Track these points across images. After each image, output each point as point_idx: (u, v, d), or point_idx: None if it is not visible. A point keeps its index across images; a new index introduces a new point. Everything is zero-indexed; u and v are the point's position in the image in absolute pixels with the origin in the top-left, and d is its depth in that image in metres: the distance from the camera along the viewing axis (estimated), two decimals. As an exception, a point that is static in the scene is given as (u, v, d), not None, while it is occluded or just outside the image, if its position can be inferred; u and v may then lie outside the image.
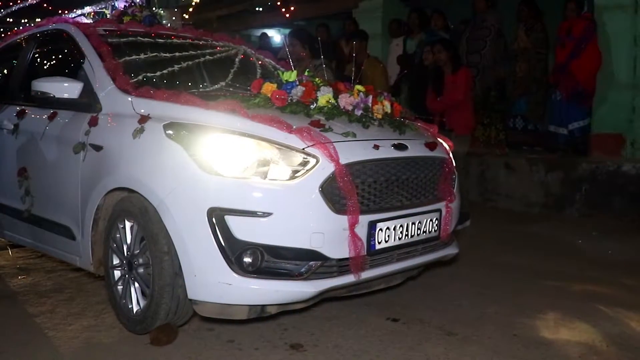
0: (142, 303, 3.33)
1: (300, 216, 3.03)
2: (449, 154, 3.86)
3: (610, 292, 4.42)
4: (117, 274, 3.52)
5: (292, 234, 3.03)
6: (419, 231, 3.50)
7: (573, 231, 6.47)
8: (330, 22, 9.38)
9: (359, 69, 5.11)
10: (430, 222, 3.57)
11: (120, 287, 3.49)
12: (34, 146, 4.12)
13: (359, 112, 3.55)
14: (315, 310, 3.37)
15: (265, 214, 2.98)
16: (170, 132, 3.19)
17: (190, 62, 4.13)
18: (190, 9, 11.43)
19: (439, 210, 3.64)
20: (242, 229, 2.99)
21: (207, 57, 4.35)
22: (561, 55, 7.56)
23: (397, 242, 3.37)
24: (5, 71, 5.21)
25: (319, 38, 7.35)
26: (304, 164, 3.07)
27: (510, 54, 8.38)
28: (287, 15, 11.70)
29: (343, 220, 3.07)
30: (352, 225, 3.09)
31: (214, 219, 2.98)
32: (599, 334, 3.56)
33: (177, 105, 3.38)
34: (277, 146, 3.08)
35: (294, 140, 3.11)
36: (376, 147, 3.31)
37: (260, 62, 4.82)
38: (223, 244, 2.98)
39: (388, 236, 3.30)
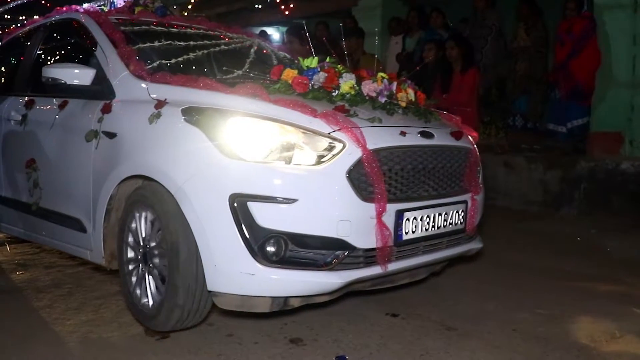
0: (157, 297, 3.04)
1: (327, 203, 2.76)
2: (473, 145, 3.58)
3: (609, 288, 4.24)
4: (131, 267, 3.22)
5: (318, 222, 2.76)
6: (445, 223, 3.23)
7: (572, 229, 6.25)
8: (329, 20, 9.04)
9: (355, 66, 4.84)
10: (457, 214, 3.31)
11: (134, 280, 3.19)
12: (43, 136, 3.82)
13: (382, 99, 3.28)
14: (314, 305, 3.14)
15: (290, 200, 2.71)
16: (188, 116, 2.91)
17: (205, 51, 3.85)
18: (189, 7, 11.07)
19: (465, 202, 3.38)
20: (266, 216, 2.72)
21: (222, 47, 4.06)
22: (561, 54, 7.30)
23: (424, 234, 3.10)
24: (12, 64, 4.90)
25: (319, 35, 7.06)
26: (330, 148, 2.80)
27: (510, 52, 8.16)
28: (287, 13, 11.37)
29: (370, 208, 2.81)
30: (380, 213, 2.82)
31: (236, 206, 2.70)
32: (599, 329, 3.40)
33: (195, 90, 3.11)
34: (302, 130, 2.81)
35: (319, 124, 2.84)
36: (403, 133, 3.06)
37: (274, 54, 4.53)
38: (245, 232, 2.70)
39: (415, 227, 3.04)
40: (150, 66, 3.50)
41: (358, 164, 2.78)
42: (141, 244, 3.12)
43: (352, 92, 3.25)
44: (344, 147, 2.79)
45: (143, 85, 3.30)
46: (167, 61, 3.58)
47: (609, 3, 7.17)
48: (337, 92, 3.24)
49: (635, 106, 7.01)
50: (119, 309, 3.55)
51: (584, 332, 3.34)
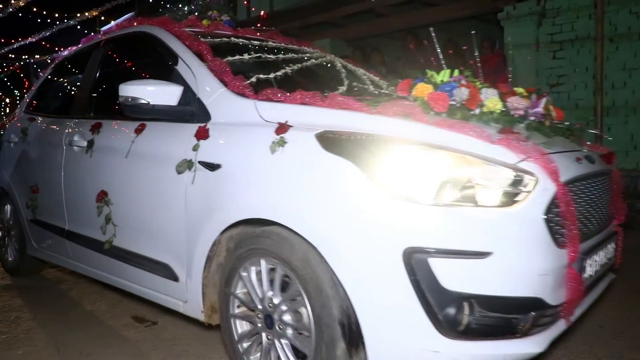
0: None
1: (525, 254, 1.81)
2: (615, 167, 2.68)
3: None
4: (241, 325, 2.25)
5: (516, 279, 1.80)
6: (605, 259, 2.32)
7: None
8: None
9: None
10: (612, 247, 2.40)
11: (246, 345, 2.21)
12: (116, 165, 2.79)
13: (533, 118, 2.34)
14: None
15: (482, 255, 1.76)
16: (329, 144, 1.95)
17: (299, 65, 2.83)
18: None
19: (617, 232, 2.46)
20: (452, 276, 1.77)
21: (311, 61, 3.05)
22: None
23: (592, 274, 2.19)
24: (70, 84, 3.85)
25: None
26: (517, 183, 1.84)
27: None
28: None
29: (563, 255, 1.88)
30: (572, 260, 1.90)
31: (413, 263, 1.75)
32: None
33: (325, 109, 2.13)
34: (483, 161, 1.84)
35: (500, 152, 1.88)
36: (578, 159, 2.14)
37: (354, 70, 3.54)
38: (427, 297, 1.75)
39: (590, 268, 2.14)
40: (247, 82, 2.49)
41: (553, 201, 1.85)
42: (258, 302, 2.14)
43: (498, 110, 2.30)
44: (537, 181, 1.84)
45: (249, 104, 2.31)
46: (265, 76, 2.57)
47: (516, 43, 7.55)
48: (478, 110, 2.29)
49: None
50: (112, 302, 3.51)
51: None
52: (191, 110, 2.45)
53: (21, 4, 14.93)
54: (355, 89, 2.74)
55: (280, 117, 2.15)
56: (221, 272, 2.31)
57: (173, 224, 2.43)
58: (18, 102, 23.68)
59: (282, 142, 2.05)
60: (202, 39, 2.74)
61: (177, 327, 3.03)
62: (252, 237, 2.14)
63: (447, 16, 8.68)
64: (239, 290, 2.23)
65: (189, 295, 2.42)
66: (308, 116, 2.13)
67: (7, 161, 3.98)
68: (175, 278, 2.45)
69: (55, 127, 3.44)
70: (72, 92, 3.51)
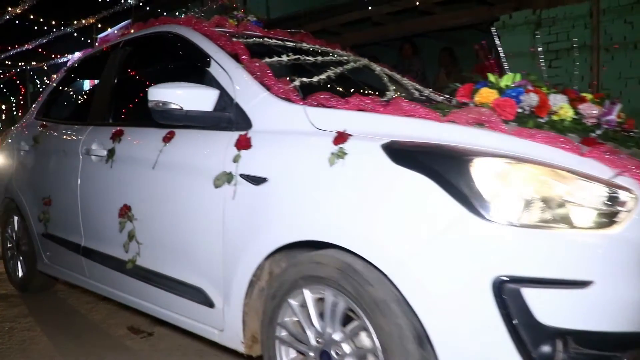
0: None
1: (627, 282, 1.49)
2: None
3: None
4: (288, 357, 1.89)
5: (618, 312, 1.48)
6: None
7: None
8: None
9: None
10: None
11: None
12: (140, 177, 2.41)
13: (607, 126, 2.03)
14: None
15: (583, 284, 1.44)
16: (399, 156, 1.61)
17: (340, 69, 2.48)
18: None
19: None
20: (548, 308, 1.44)
21: (350, 64, 2.70)
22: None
23: None
24: (86, 88, 3.45)
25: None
26: (611, 201, 1.52)
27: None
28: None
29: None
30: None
31: (504, 294, 1.42)
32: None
33: (387, 117, 1.80)
34: (576, 176, 1.52)
35: (592, 166, 1.56)
36: None
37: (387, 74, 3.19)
38: (520, 332, 1.42)
39: None
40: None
41: None
42: (314, 335, 1.81)
43: (569, 118, 1.98)
44: (637, 199, 1.53)
45: (297, 110, 1.96)
46: (309, 79, 2.22)
47: (512, 52, 7.06)
48: (547, 117, 1.97)
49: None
50: (108, 312, 3.29)
51: None
52: (228, 117, 2.10)
53: (18, 11, 14.39)
54: (403, 94, 2.41)
55: (336, 125, 1.81)
56: (264, 300, 1.96)
57: (208, 243, 2.07)
58: (14, 108, 22.97)
59: (341, 153, 1.71)
60: (235, 40, 2.38)
61: (172, 337, 2.84)
62: (305, 261, 1.80)
63: (443, 24, 8.43)
64: (287, 319, 1.89)
65: (226, 324, 2.06)
66: (369, 124, 1.80)
67: (16, 170, 3.55)
68: (210, 304, 2.10)
69: (70, 134, 3.04)
70: (88, 97, 3.09)
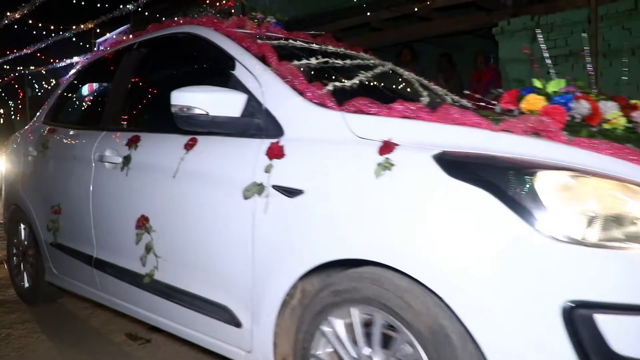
0: None
1: None
2: None
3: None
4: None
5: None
6: None
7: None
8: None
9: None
10: None
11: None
12: (159, 186, 2.20)
13: (657, 134, 1.85)
14: None
15: (662, 310, 1.24)
16: (453, 168, 1.43)
17: (371, 72, 2.29)
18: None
19: None
20: (626, 337, 1.25)
21: (379, 68, 2.51)
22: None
23: None
24: (97, 91, 3.22)
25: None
26: None
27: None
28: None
29: None
30: None
31: (575, 321, 1.24)
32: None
33: (435, 125, 1.61)
34: None
35: None
36: None
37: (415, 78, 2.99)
38: None
39: None
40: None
41: None
42: None
43: (621, 127, 1.81)
44: None
45: (335, 117, 1.77)
46: (341, 84, 2.03)
47: (509, 58, 7.15)
48: (599, 125, 1.80)
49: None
50: (106, 318, 3.16)
51: None
52: (257, 123, 1.91)
53: (17, 16, 14.09)
54: (438, 100, 2.23)
55: (379, 134, 1.62)
56: (297, 320, 1.77)
57: (235, 258, 1.88)
58: (12, 113, 22.58)
59: (388, 164, 1.52)
60: (261, 41, 2.18)
61: (170, 345, 2.73)
62: (345, 280, 1.61)
63: (442, 30, 8.27)
64: (325, 337, 1.70)
65: (255, 345, 1.86)
66: (415, 133, 1.61)
67: (24, 177, 3.29)
68: (236, 323, 1.90)
69: (81, 140, 2.78)
70: (100, 101, 2.85)
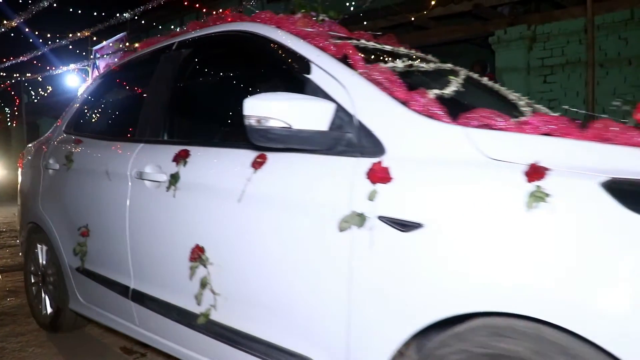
0: None
1: None
2: None
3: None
4: None
5: None
6: None
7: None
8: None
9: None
10: None
11: None
12: (219, 212, 1.70)
13: None
14: None
15: None
16: (635, 199, 1.00)
17: (461, 79, 1.85)
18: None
19: None
20: None
21: (463, 74, 2.05)
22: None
23: None
24: (129, 96, 2.68)
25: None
26: None
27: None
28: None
29: None
30: None
31: None
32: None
33: (590, 144, 1.17)
34: None
35: None
36: None
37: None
38: None
39: None
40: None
41: None
42: None
43: None
44: None
45: (455, 133, 1.31)
46: (442, 91, 1.57)
47: (507, 67, 7.03)
48: None
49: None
50: (100, 331, 2.92)
51: None
52: (348, 138, 1.45)
53: (13, 24, 13.30)
54: (530, 109, 1.79)
55: (519, 155, 1.18)
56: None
57: (325, 303, 1.41)
58: (8, 119, 21.58)
59: (542, 194, 1.08)
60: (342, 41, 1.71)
61: (165, 358, 2.43)
62: (481, 335, 1.16)
63: (439, 39, 7.88)
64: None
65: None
66: (565, 154, 1.17)
67: (43, 193, 2.71)
68: (324, 377, 1.43)
69: (113, 153, 2.26)
70: (134, 108, 2.31)
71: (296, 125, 1.41)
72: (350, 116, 1.47)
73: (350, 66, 1.57)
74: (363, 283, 1.34)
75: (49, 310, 2.81)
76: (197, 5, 11.89)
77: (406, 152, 1.36)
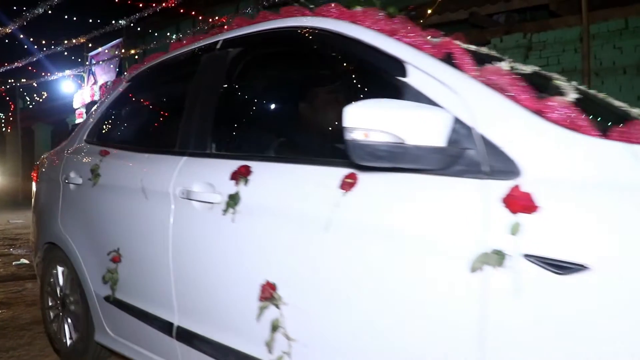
0: None
1: None
2: None
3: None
4: None
5: None
6: None
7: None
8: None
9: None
10: None
11: None
12: (297, 243, 1.33)
13: None
14: None
15: None
16: None
17: (559, 83, 1.53)
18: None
19: None
20: None
21: (557, 78, 1.74)
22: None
23: None
24: (164, 102, 2.26)
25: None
26: None
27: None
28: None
29: None
30: None
31: None
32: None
33: None
34: None
35: None
36: None
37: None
38: None
39: None
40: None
41: None
42: None
43: None
44: None
45: (616, 150, 0.98)
46: (568, 98, 1.24)
47: None
48: None
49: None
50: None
51: None
52: (470, 156, 1.10)
53: (8, 31, 12.64)
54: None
55: None
56: None
57: (446, 356, 1.07)
58: (3, 125, 20.73)
59: None
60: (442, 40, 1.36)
61: None
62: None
63: (435, 47, 7.58)
64: None
65: None
66: None
67: (63, 210, 2.26)
68: None
69: (150, 167, 1.84)
70: (173, 115, 1.88)
71: (410, 140, 1.06)
72: (467, 128, 1.13)
73: (458, 68, 1.23)
74: (503, 337, 1.00)
75: (70, 339, 2.35)
76: (193, 12, 11.45)
77: (551, 174, 1.02)
